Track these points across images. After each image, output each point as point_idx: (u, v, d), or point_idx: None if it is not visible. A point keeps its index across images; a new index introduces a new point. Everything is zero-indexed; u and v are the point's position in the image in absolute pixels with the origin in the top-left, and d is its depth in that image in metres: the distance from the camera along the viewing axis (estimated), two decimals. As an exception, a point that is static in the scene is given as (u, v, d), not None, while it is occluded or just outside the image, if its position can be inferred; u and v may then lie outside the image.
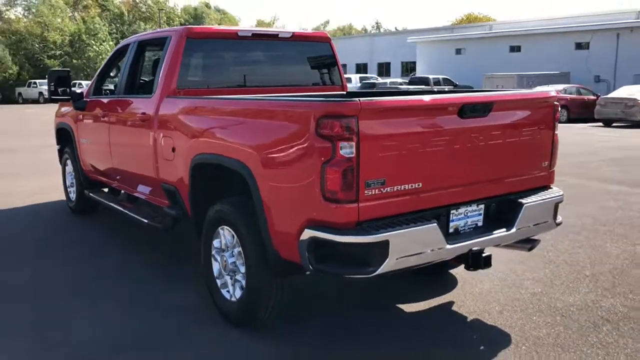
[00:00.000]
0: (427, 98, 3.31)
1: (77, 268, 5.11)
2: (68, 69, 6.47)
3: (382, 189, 3.06)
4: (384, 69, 51.53)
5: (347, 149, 2.94)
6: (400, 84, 31.98)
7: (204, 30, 4.90)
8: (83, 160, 6.49)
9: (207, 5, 70.32)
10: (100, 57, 48.30)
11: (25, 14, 55.44)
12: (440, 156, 3.26)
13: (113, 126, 5.46)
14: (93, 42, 50.64)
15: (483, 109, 3.40)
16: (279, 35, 5.19)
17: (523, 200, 3.62)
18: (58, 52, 49.45)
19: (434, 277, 4.76)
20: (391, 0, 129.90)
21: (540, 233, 3.91)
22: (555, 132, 3.90)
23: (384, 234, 2.99)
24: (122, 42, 5.91)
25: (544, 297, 4.35)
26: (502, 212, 3.65)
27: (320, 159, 2.96)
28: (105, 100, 5.77)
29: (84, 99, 6.09)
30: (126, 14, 61.55)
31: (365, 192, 3.01)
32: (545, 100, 3.85)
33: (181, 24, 63.40)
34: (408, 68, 48.02)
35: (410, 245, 3.11)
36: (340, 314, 4.11)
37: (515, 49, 36.00)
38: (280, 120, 3.32)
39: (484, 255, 3.41)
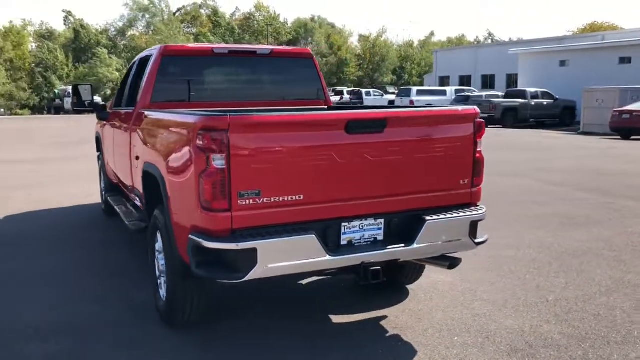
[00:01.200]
0: (309, 114, 3.44)
1: (72, 263, 5.70)
2: (90, 84, 7.18)
3: (257, 200, 3.24)
4: (488, 82, 50.03)
5: (218, 161, 3.16)
6: (497, 96, 31.01)
7: (179, 49, 5.32)
8: (106, 165, 7.18)
9: (313, 20, 72.17)
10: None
11: (145, 31, 60.40)
12: (324, 170, 3.38)
13: (115, 135, 6.05)
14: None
15: (373, 125, 3.46)
16: (257, 52, 5.48)
17: (426, 217, 3.62)
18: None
19: (387, 289, 4.78)
20: (505, 10, 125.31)
21: (457, 251, 3.86)
22: (478, 149, 3.84)
23: (252, 242, 3.17)
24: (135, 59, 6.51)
25: (483, 319, 4.25)
26: (404, 228, 3.66)
27: (198, 169, 3.20)
28: (114, 112, 6.39)
29: (107, 110, 6.76)
30: (237, 29, 64.97)
31: (239, 202, 3.21)
32: (462, 117, 3.81)
33: (289, 40, 65.69)
34: (513, 80, 46.28)
35: (283, 255, 3.26)
36: (269, 323, 4.28)
37: (625, 60, 33.52)
38: (176, 132, 3.62)
39: (372, 269, 3.47)
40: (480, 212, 3.82)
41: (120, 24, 62.13)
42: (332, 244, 3.47)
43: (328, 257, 3.36)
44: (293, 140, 3.32)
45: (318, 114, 3.62)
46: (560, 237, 6.58)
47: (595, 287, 4.92)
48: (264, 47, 5.61)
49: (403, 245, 3.58)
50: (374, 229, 3.61)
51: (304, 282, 5.03)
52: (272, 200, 3.28)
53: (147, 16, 60.85)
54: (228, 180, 3.17)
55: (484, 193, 4.06)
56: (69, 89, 39.78)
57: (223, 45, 5.57)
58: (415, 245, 3.58)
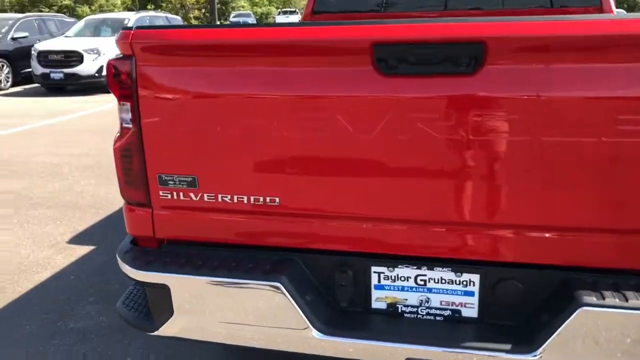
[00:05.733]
0: (285, 28, 1.56)
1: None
2: None
3: (191, 193, 1.68)
4: None
5: (124, 113, 1.70)
6: None
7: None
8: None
9: None
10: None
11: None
12: (329, 155, 1.55)
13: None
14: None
15: (450, 54, 1.41)
16: None
17: (582, 296, 1.43)
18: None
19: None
20: None
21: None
22: None
23: (160, 274, 1.67)
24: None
25: None
26: (520, 302, 1.55)
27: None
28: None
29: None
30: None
31: (160, 193, 1.71)
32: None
33: None
34: None
35: (220, 309, 1.65)
36: None
37: None
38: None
39: (417, 379, 1.56)
40: None
41: None
42: (349, 302, 1.68)
43: (315, 335, 1.60)
44: (264, 85, 1.57)
45: (305, 27, 1.66)
46: None
47: None
48: None
49: (509, 348, 1.51)
50: (457, 291, 1.62)
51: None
52: (220, 199, 1.66)
53: None
54: (138, 149, 1.68)
55: None
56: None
57: None
58: (535, 355, 1.47)
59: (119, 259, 1.77)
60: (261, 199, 1.63)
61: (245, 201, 1.64)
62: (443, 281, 1.61)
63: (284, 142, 1.56)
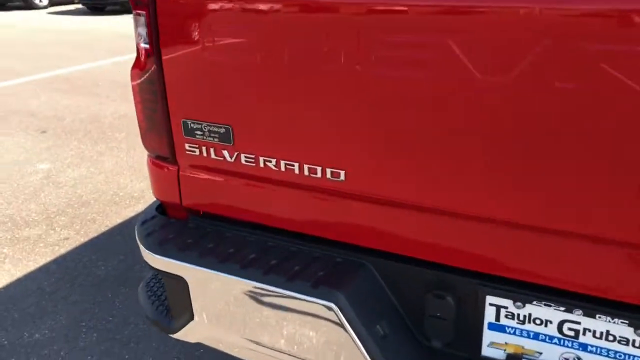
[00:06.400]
0: None
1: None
2: None
3: (224, 151, 1.15)
4: None
5: (140, 27, 1.18)
6: None
7: None
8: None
9: None
10: None
11: None
12: (442, 109, 0.91)
13: None
14: None
15: None
16: None
17: None
18: None
19: None
20: None
21: None
22: None
23: (174, 261, 1.18)
24: None
25: None
26: None
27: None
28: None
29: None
30: None
31: (187, 146, 1.20)
32: None
33: None
34: None
35: (244, 320, 1.14)
36: None
37: None
38: None
39: None
40: None
41: None
42: (444, 343, 1.07)
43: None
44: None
45: None
46: None
47: None
48: None
49: None
50: (626, 356, 0.94)
51: None
52: (263, 163, 1.11)
53: None
54: (156, 79, 1.17)
55: None
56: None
57: None
58: None
59: (136, 231, 1.31)
60: (319, 170, 1.05)
61: (297, 171, 1.07)
62: (610, 337, 0.94)
63: (360, 85, 0.95)
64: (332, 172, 1.04)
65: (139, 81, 1.20)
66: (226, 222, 1.24)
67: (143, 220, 1.31)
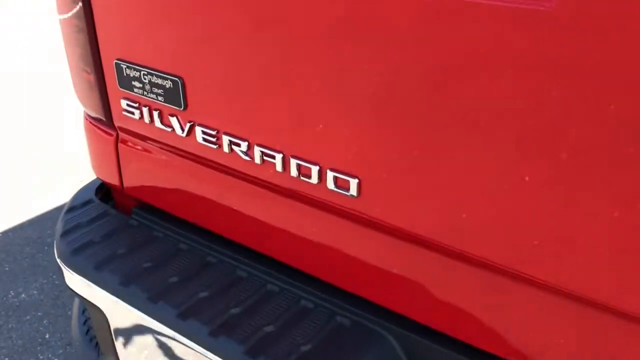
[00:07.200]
0: None
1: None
2: None
3: (173, 118, 0.71)
4: None
5: None
6: None
7: None
8: None
9: None
10: None
11: None
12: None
13: None
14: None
15: None
16: None
17: None
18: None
19: None
20: None
21: None
22: None
23: (87, 281, 0.76)
24: None
25: None
26: None
27: None
28: None
29: None
30: None
31: (124, 103, 0.76)
32: None
33: None
34: None
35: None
36: None
37: None
38: None
39: None
40: None
41: None
42: None
43: None
44: None
45: None
46: None
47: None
48: None
49: None
50: None
51: None
52: (228, 145, 0.66)
53: None
54: (84, 5, 0.73)
55: None
56: None
57: None
58: None
59: (58, 222, 0.89)
60: (314, 170, 0.60)
61: (279, 167, 0.63)
62: None
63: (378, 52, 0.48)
64: (335, 178, 0.58)
65: (66, 17, 0.76)
66: (178, 224, 0.82)
67: (71, 205, 0.89)
